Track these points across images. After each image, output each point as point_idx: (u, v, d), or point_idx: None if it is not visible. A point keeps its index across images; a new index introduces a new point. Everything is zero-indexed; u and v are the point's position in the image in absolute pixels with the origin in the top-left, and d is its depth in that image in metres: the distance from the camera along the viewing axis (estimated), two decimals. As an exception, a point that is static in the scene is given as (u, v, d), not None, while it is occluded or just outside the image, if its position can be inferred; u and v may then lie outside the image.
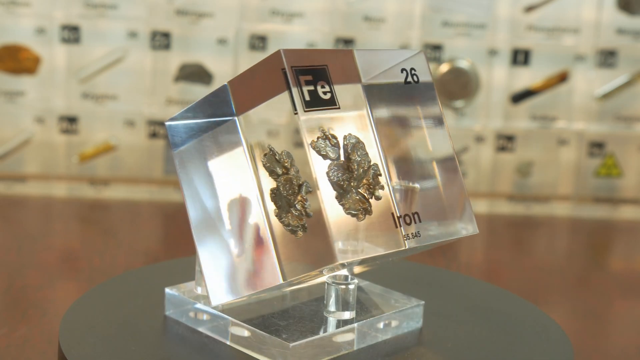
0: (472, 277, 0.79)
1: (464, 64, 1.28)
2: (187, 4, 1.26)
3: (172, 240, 1.12)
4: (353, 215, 0.52)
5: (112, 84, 1.28)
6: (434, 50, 1.28)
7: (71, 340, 0.58)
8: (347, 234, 0.52)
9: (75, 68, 1.27)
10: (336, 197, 0.52)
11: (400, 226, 0.54)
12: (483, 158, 1.32)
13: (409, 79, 0.57)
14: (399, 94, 0.58)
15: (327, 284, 0.58)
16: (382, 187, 0.54)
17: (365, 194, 0.53)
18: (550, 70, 1.30)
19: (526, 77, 1.30)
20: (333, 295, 0.58)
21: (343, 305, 0.58)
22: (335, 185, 0.52)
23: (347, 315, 0.58)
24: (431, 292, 0.69)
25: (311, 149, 0.52)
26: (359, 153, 0.53)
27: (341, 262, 0.50)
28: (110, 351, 0.57)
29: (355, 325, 0.58)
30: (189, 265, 0.74)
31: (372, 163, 0.54)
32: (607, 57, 1.29)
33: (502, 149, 1.31)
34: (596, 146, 1.32)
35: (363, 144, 0.54)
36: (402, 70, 0.57)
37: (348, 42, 1.27)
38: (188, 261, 0.77)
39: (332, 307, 0.58)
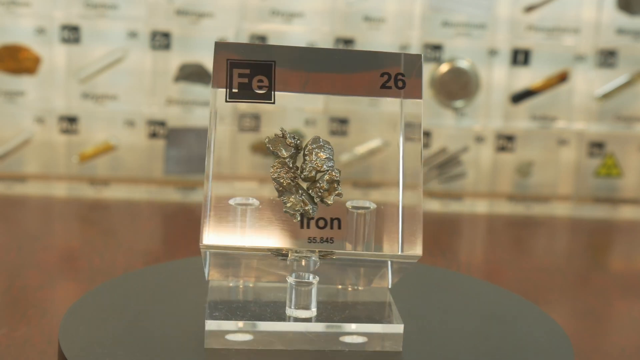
0: (472, 277, 0.79)
1: (464, 64, 1.28)
2: (187, 4, 1.26)
3: (172, 241, 1.12)
4: (291, 215, 0.54)
5: (112, 84, 1.28)
6: (434, 50, 1.28)
7: (71, 340, 0.58)
8: (234, 223, 0.54)
9: (75, 68, 1.27)
10: (278, 195, 0.54)
11: (307, 227, 0.54)
12: (483, 158, 1.32)
13: (389, 83, 0.55)
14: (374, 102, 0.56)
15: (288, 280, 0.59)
16: (340, 195, 0.54)
17: (314, 197, 0.54)
18: (550, 70, 1.30)
19: (526, 77, 1.30)
20: (287, 292, 0.58)
21: (288, 302, 0.58)
22: (275, 181, 0.54)
23: (295, 312, 0.58)
24: (430, 291, 0.69)
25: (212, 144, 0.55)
26: (318, 157, 0.54)
27: (206, 244, 0.54)
28: (110, 351, 0.57)
29: (281, 323, 0.57)
30: (189, 266, 0.74)
31: (332, 168, 0.54)
32: (607, 57, 1.29)
33: (502, 149, 1.31)
34: (596, 146, 1.32)
35: (331, 149, 0.54)
36: (383, 74, 0.55)
37: (348, 42, 1.27)
38: (188, 262, 0.77)
39: (287, 304, 0.59)
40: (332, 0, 1.26)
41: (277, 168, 0.54)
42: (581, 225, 1.28)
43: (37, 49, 1.26)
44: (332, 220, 0.55)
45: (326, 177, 0.54)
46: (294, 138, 0.55)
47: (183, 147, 1.27)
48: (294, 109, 0.58)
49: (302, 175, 0.54)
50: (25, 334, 0.76)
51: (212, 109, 0.55)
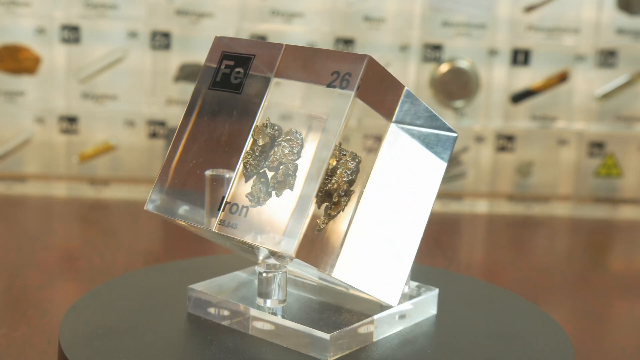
0: (472, 277, 0.79)
1: (464, 64, 1.28)
2: (187, 4, 1.26)
3: (172, 241, 1.12)
4: (250, 200, 0.55)
5: (112, 84, 1.28)
6: (434, 50, 1.28)
7: (71, 340, 0.58)
8: (173, 196, 0.59)
9: (75, 68, 1.27)
10: (245, 180, 0.56)
11: (222, 210, 0.56)
12: (483, 158, 1.32)
13: (335, 83, 0.55)
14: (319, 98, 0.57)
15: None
16: (291, 188, 0.55)
17: (269, 187, 0.55)
18: (550, 70, 1.30)
19: (526, 77, 1.30)
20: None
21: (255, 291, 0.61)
22: (243, 166, 0.56)
23: (257, 300, 0.60)
24: (431, 292, 0.69)
25: None
26: (286, 149, 0.55)
27: (146, 209, 0.59)
28: (111, 351, 0.57)
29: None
30: (189, 267, 0.74)
31: (290, 162, 0.55)
32: (607, 57, 1.29)
33: (502, 149, 1.31)
34: (596, 146, 1.32)
35: (299, 144, 0.55)
36: (334, 73, 0.56)
37: (348, 42, 1.27)
38: (188, 262, 0.77)
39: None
40: (332, 0, 1.27)
41: (248, 154, 0.56)
42: (581, 225, 1.28)
43: (37, 49, 1.26)
44: (242, 207, 0.56)
45: (283, 170, 0.55)
46: (274, 129, 0.56)
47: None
48: (272, 103, 0.58)
49: (266, 165, 0.55)
50: (25, 334, 0.76)
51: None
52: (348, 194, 0.55)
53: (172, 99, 1.28)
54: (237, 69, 0.59)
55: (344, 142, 0.56)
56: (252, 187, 0.55)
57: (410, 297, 0.63)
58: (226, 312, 0.61)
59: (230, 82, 0.59)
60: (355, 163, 0.55)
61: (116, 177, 1.30)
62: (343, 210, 0.55)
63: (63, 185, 1.29)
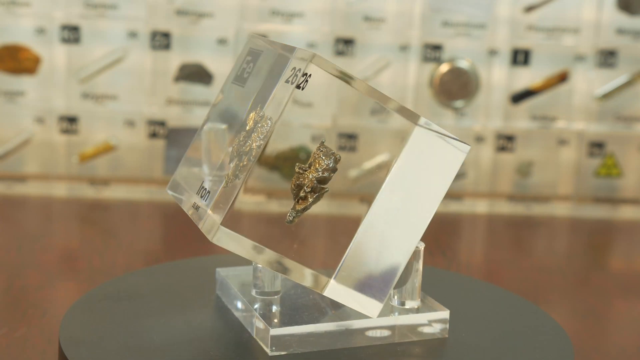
0: (472, 277, 0.79)
1: (464, 64, 1.28)
2: (187, 4, 1.26)
3: (172, 241, 1.12)
4: (225, 181, 0.57)
5: (112, 84, 1.28)
6: (434, 50, 1.28)
7: (71, 340, 0.58)
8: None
9: (75, 68, 1.27)
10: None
11: (197, 194, 0.60)
12: (483, 158, 1.32)
13: (289, 78, 0.57)
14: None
15: None
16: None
17: (237, 171, 0.56)
18: (550, 70, 1.30)
19: (526, 77, 1.30)
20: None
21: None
22: (231, 148, 0.58)
23: (251, 292, 0.62)
24: (430, 292, 0.69)
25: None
26: (259, 136, 0.56)
27: (167, 191, 0.65)
28: (110, 351, 0.57)
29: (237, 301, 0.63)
30: (189, 267, 0.75)
31: (256, 148, 0.56)
32: (607, 57, 1.29)
33: (502, 149, 1.31)
34: (596, 146, 1.32)
35: (267, 129, 0.56)
36: (294, 68, 0.56)
37: (348, 42, 1.27)
38: (188, 262, 0.77)
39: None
40: (332, 0, 1.26)
41: (238, 139, 0.57)
42: (581, 225, 1.28)
43: (37, 49, 1.26)
44: (206, 191, 0.58)
45: (248, 155, 0.56)
46: (259, 115, 0.57)
47: (183, 147, 1.27)
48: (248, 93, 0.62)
49: (242, 150, 0.56)
50: (25, 334, 0.76)
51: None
52: (316, 190, 0.55)
53: (172, 99, 1.28)
54: (250, 65, 0.62)
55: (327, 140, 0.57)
56: (230, 169, 0.57)
57: (418, 311, 0.62)
58: (218, 297, 0.65)
59: (243, 76, 0.62)
60: (329, 161, 0.55)
61: (116, 177, 1.30)
62: (310, 207, 0.55)
63: (63, 185, 1.29)
